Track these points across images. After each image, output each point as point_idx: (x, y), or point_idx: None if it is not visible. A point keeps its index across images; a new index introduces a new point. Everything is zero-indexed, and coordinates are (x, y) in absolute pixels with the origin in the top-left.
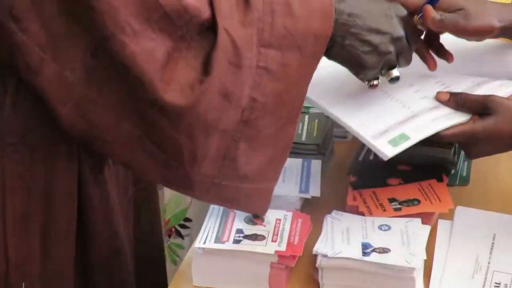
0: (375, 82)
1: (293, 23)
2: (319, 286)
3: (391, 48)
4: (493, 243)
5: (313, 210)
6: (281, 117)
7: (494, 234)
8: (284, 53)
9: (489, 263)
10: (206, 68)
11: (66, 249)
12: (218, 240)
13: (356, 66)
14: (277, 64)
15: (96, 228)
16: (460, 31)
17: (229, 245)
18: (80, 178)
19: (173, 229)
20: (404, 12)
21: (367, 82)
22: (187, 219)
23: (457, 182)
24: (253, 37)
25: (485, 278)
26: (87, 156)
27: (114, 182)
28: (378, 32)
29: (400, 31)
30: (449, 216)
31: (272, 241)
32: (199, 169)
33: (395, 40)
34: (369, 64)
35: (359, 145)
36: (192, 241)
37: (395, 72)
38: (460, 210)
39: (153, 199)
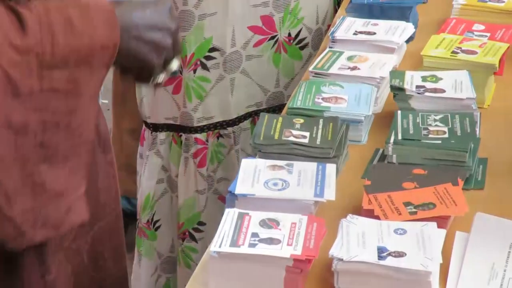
0: (161, 79)
1: (77, 40)
2: None
3: (169, 41)
4: (509, 251)
5: (328, 214)
6: (76, 127)
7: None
8: (71, 70)
9: (505, 270)
10: None
11: None
12: (233, 244)
13: (143, 68)
14: (64, 83)
15: None
16: None
17: (244, 249)
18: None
19: (187, 233)
20: (169, 2)
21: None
22: (201, 223)
23: (472, 186)
24: (31, 64)
25: (501, 284)
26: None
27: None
28: (157, 28)
29: (174, 23)
30: (467, 228)
31: (288, 245)
32: (17, 208)
33: (172, 33)
34: (155, 62)
35: (373, 149)
36: (206, 245)
37: (174, 66)
38: (479, 217)
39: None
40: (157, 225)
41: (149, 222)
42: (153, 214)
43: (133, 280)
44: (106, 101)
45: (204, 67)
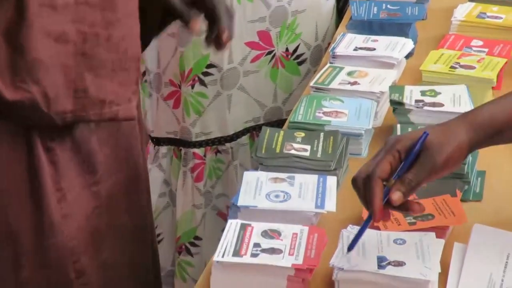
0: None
1: None
2: None
3: None
4: (507, 262)
5: (329, 225)
6: (118, 41)
7: (508, 254)
8: None
9: (502, 280)
10: (21, 11)
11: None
12: (236, 253)
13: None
14: None
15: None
16: (432, 177)
17: (246, 259)
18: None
19: (183, 247)
20: None
21: None
22: (197, 238)
23: (470, 198)
24: None
25: None
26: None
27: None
28: None
29: None
30: (465, 239)
31: (289, 254)
32: (57, 108)
33: None
34: None
35: None
36: (202, 259)
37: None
38: (477, 228)
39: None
40: (159, 238)
41: None
42: (155, 228)
43: None
44: None
45: (202, 83)
